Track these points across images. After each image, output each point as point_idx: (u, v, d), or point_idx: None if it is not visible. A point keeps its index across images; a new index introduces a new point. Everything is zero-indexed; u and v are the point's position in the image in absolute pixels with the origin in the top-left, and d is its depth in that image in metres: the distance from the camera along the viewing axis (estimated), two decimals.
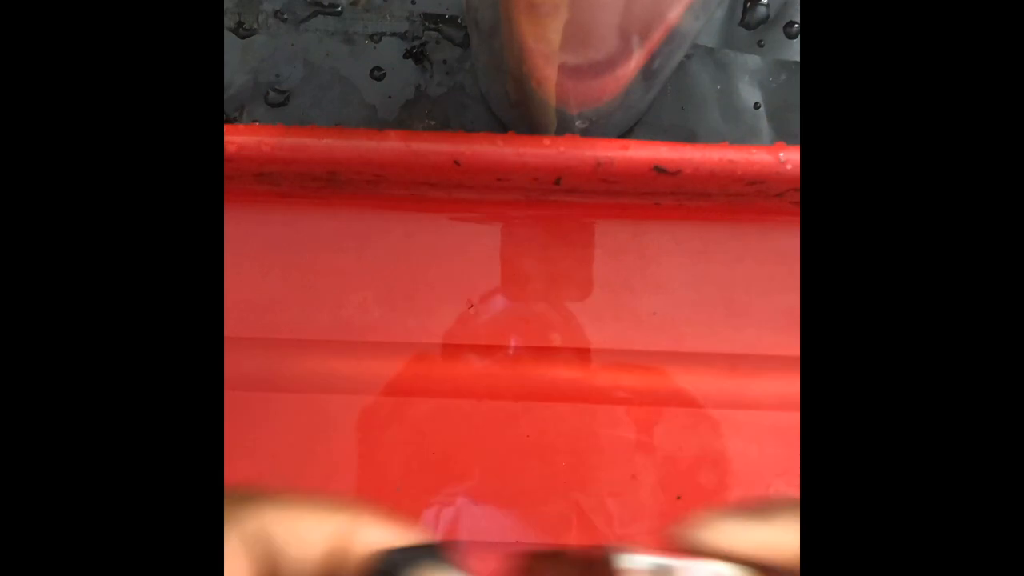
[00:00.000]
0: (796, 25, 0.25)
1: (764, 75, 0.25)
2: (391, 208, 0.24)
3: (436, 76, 0.25)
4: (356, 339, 0.24)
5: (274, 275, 0.24)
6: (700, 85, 0.25)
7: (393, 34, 0.25)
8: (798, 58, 0.25)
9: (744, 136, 0.25)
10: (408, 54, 0.25)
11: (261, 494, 0.13)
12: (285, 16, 0.25)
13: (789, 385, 0.23)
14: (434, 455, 0.23)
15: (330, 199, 0.24)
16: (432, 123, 0.25)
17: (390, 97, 0.25)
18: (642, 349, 0.24)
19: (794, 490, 0.23)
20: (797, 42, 0.25)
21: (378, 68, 0.25)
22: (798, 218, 0.24)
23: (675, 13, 0.15)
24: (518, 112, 0.22)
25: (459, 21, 0.25)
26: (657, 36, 0.16)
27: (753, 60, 0.25)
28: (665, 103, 0.25)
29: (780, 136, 0.25)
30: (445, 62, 0.25)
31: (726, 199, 0.23)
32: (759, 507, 0.13)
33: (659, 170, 0.21)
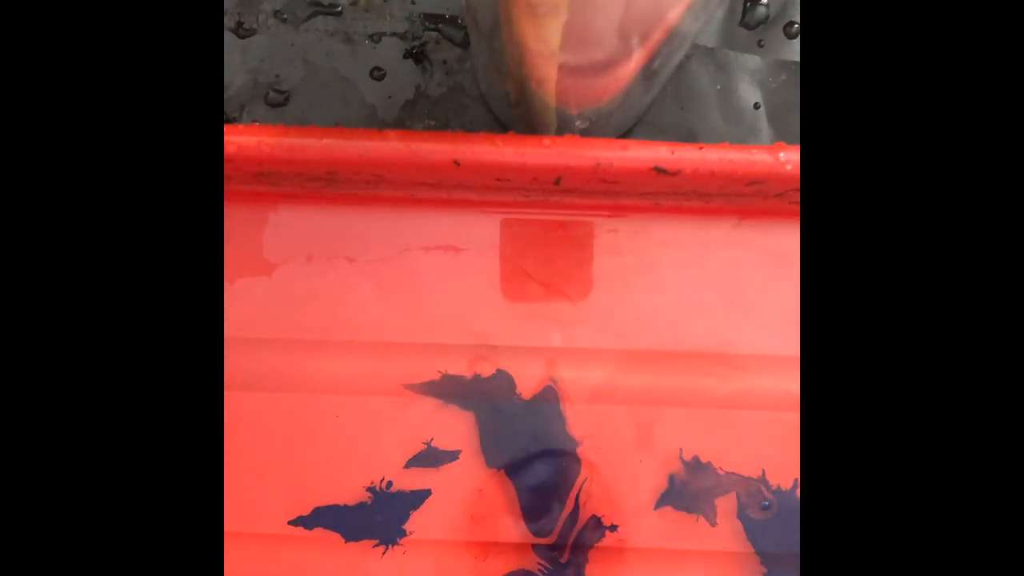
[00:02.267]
0: (796, 25, 0.25)
1: (764, 75, 0.25)
2: (391, 208, 0.24)
3: (436, 76, 0.25)
4: (356, 339, 0.24)
5: (274, 275, 0.24)
6: (700, 85, 0.25)
7: (393, 34, 0.25)
8: (798, 58, 0.25)
9: (744, 136, 0.25)
10: (408, 54, 0.25)
11: None
12: (285, 16, 0.25)
13: (789, 385, 0.23)
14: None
15: (330, 199, 0.24)
16: (432, 123, 0.25)
17: (390, 97, 0.25)
18: (642, 349, 0.24)
19: (793, 490, 0.23)
20: (797, 42, 0.25)
21: (378, 68, 0.25)
22: (798, 218, 0.24)
23: (675, 13, 0.15)
24: (518, 112, 0.22)
25: (459, 21, 0.25)
26: (657, 36, 0.16)
27: (753, 60, 0.25)
28: (665, 103, 0.25)
29: (780, 136, 0.25)
30: (445, 62, 0.25)
31: (726, 199, 0.23)
32: None
33: (659, 170, 0.21)
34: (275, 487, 0.23)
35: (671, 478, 0.23)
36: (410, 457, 0.23)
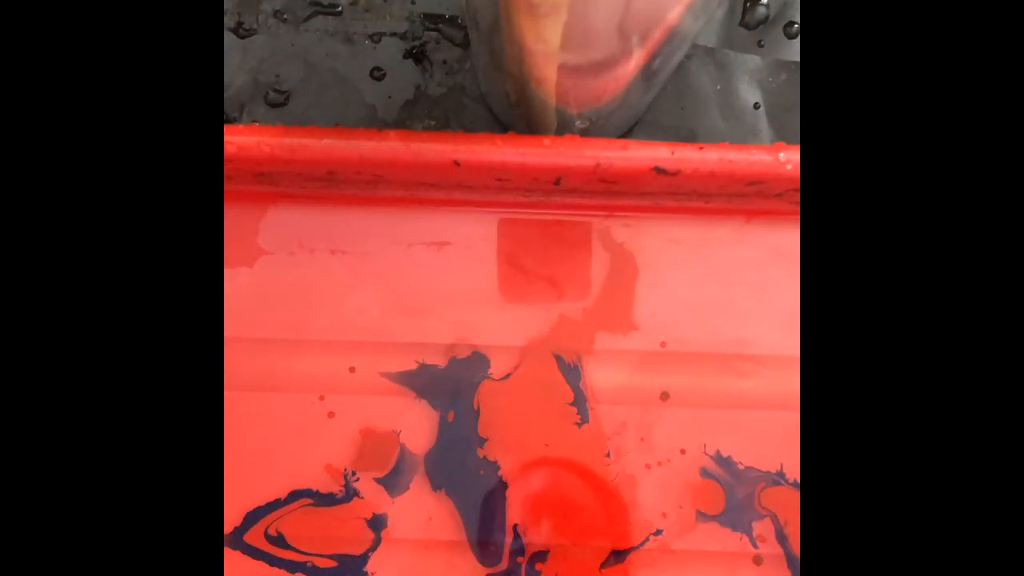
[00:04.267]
0: (796, 25, 0.25)
1: (764, 75, 0.25)
2: (391, 208, 0.24)
3: (436, 76, 0.25)
4: (356, 339, 0.24)
5: (274, 275, 0.24)
6: (700, 85, 0.25)
7: (393, 34, 0.25)
8: (798, 58, 0.25)
9: (744, 136, 0.25)
10: (408, 54, 0.25)
11: None
12: (285, 16, 0.25)
13: (789, 385, 0.23)
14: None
15: (330, 199, 0.24)
16: (432, 123, 0.25)
17: (390, 97, 0.25)
18: (641, 349, 0.24)
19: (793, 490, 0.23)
20: (797, 42, 0.25)
21: (378, 68, 0.25)
22: (798, 218, 0.24)
23: (675, 13, 0.15)
24: (518, 112, 0.22)
25: (459, 21, 0.25)
26: (657, 36, 0.16)
27: (753, 60, 0.25)
28: (665, 103, 0.25)
29: (780, 136, 0.25)
30: (445, 62, 0.25)
31: (726, 199, 0.23)
32: None
33: (659, 170, 0.21)
34: (237, 484, 0.23)
35: (670, 478, 0.23)
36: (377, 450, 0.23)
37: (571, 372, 0.23)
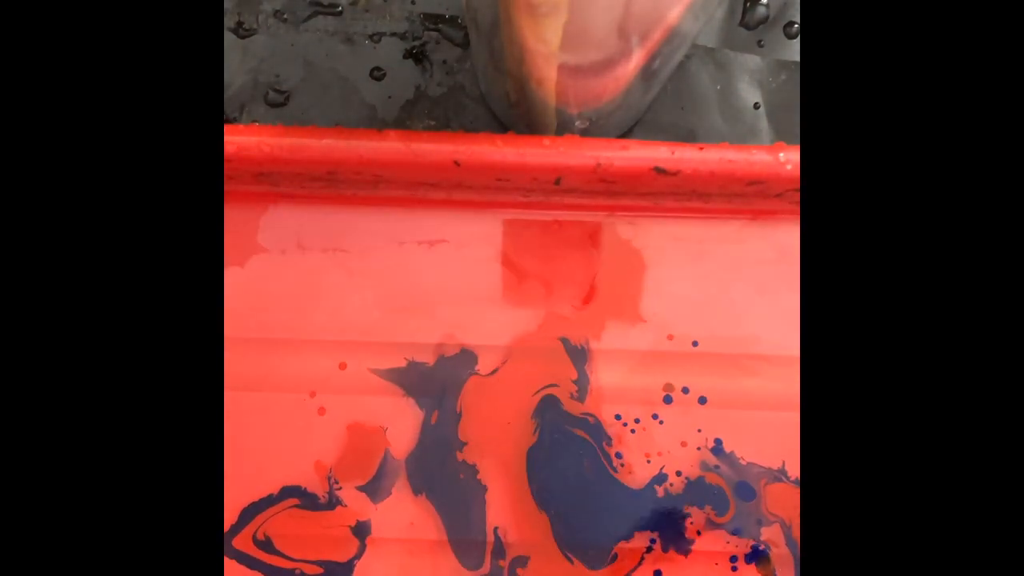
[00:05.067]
0: (796, 25, 0.25)
1: (764, 75, 0.25)
2: (391, 208, 0.24)
3: (436, 76, 0.25)
4: (350, 337, 0.24)
5: (274, 275, 0.24)
6: (700, 85, 0.25)
7: (393, 34, 0.25)
8: (798, 58, 0.25)
9: (744, 136, 0.25)
10: (408, 54, 0.25)
11: None
12: (285, 16, 0.25)
13: (789, 385, 0.23)
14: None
15: (330, 199, 0.24)
16: (432, 123, 0.25)
17: (390, 97, 0.25)
18: (642, 349, 0.24)
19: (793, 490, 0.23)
20: (797, 42, 0.25)
21: (378, 68, 0.25)
22: (798, 218, 0.24)
23: (675, 13, 0.15)
24: (518, 112, 0.22)
25: (459, 21, 0.25)
26: (657, 36, 0.16)
27: (753, 60, 0.25)
28: (665, 103, 0.25)
29: (780, 136, 0.25)
30: (445, 62, 0.25)
31: (726, 199, 0.23)
32: None
33: (659, 170, 0.21)
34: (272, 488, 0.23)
35: (670, 479, 0.23)
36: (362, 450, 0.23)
37: (578, 355, 0.23)
